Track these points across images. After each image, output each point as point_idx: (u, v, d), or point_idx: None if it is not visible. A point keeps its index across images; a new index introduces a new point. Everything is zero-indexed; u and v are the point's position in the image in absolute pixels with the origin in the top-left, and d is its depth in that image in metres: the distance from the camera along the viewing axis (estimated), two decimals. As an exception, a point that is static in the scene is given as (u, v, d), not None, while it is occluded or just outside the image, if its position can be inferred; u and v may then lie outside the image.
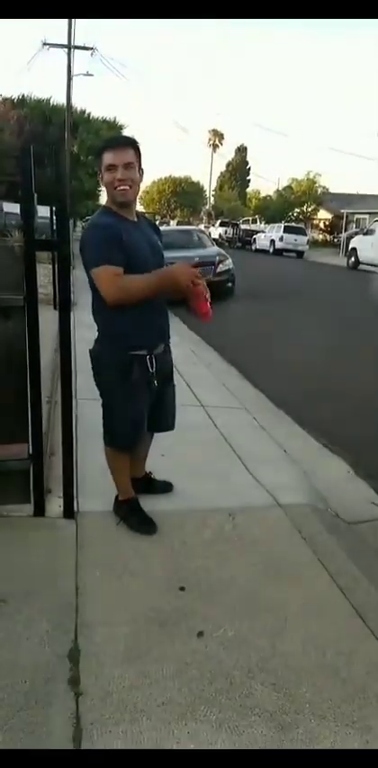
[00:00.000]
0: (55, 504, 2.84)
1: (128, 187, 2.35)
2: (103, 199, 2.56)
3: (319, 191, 46.27)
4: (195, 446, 3.73)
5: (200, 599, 2.27)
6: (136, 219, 2.51)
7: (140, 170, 2.42)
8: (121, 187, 2.34)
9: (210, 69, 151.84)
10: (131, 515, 2.72)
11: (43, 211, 10.49)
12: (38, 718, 1.68)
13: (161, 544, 2.62)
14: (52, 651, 1.94)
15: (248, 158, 64.68)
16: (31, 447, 2.71)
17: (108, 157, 2.34)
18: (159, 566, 2.47)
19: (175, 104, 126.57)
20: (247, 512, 2.96)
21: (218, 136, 64.76)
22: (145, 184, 55.34)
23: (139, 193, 2.56)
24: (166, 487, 3.07)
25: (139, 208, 2.83)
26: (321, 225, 46.69)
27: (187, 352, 6.52)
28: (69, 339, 2.63)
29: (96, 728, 1.66)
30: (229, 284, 11.27)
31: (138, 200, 2.58)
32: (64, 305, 2.62)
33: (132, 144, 2.40)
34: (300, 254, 28.68)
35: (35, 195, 2.68)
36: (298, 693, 1.84)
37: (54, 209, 9.87)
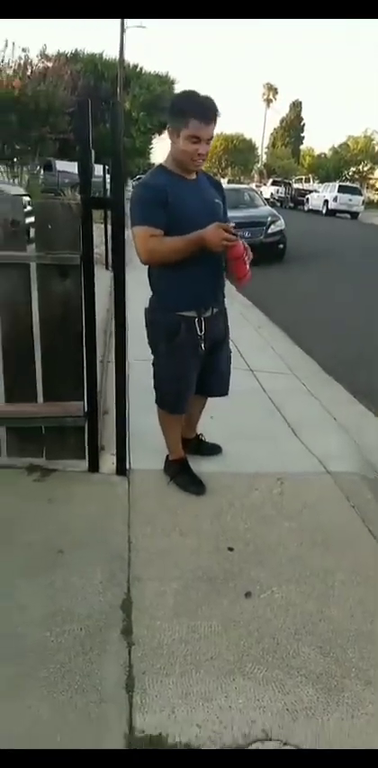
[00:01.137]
0: (108, 461, 2.92)
1: (202, 160, 2.32)
2: (154, 157, 2.53)
3: (377, 149, 44.22)
4: (244, 410, 3.74)
5: (248, 560, 2.31)
6: (194, 178, 2.44)
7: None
8: (199, 160, 2.31)
9: (263, 22, 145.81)
10: (181, 475, 2.78)
11: (97, 170, 10.46)
12: (93, 665, 1.77)
13: (210, 505, 2.67)
14: (106, 601, 2.03)
15: (303, 114, 62.30)
16: (86, 405, 2.77)
17: (195, 127, 2.21)
18: (208, 526, 2.52)
19: (227, 56, 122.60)
20: (296, 478, 2.96)
21: (272, 90, 62.60)
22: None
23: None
24: (215, 450, 3.10)
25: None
26: (378, 184, 44.80)
27: (236, 314, 6.46)
28: (124, 299, 2.65)
29: (148, 677, 1.74)
30: (281, 246, 11.03)
31: None
32: (118, 265, 2.63)
33: (216, 115, 2.27)
34: (354, 215, 27.68)
35: (92, 152, 2.68)
36: (345, 658, 1.86)
37: (107, 167, 9.87)
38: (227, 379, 2.83)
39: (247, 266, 2.36)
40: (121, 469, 2.85)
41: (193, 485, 2.74)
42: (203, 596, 2.09)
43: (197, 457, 2.97)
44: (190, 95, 2.26)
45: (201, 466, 2.89)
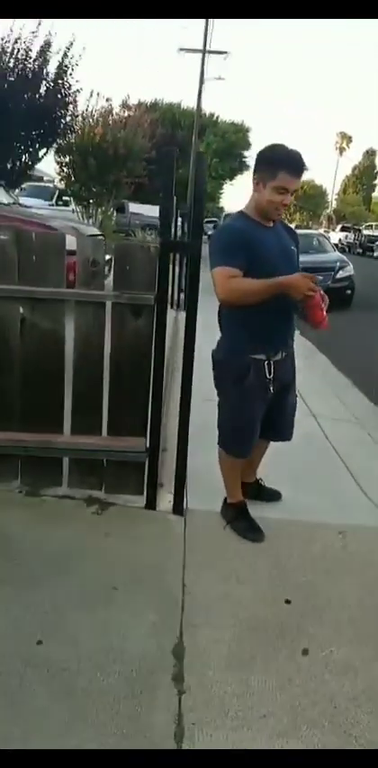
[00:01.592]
0: (165, 499, 2.91)
1: (284, 211, 2.41)
2: (224, 202, 2.60)
3: None
4: (306, 457, 3.65)
5: (306, 615, 2.21)
6: (271, 224, 2.49)
7: None
8: (282, 211, 2.40)
9: (340, 70, 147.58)
10: (239, 520, 2.73)
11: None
12: (142, 709, 1.73)
13: (268, 553, 2.60)
14: (158, 644, 2.00)
15: (377, 161, 61.91)
16: (148, 441, 2.80)
17: (284, 179, 2.30)
18: (265, 575, 2.44)
19: (300, 105, 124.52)
20: (358, 531, 2.84)
21: (346, 138, 62.76)
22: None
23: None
24: (275, 496, 3.03)
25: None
26: None
27: (300, 360, 6.38)
28: (194, 339, 2.68)
29: (197, 729, 1.68)
30: (349, 291, 10.88)
31: None
32: (191, 306, 2.66)
33: (304, 170, 2.37)
34: None
35: (174, 198, 2.76)
36: (408, 734, 1.73)
37: (179, 210, 10.17)
38: (291, 424, 2.80)
39: (324, 312, 2.40)
40: (178, 509, 2.84)
41: (252, 531, 2.68)
42: (258, 649, 2.02)
43: (257, 502, 2.91)
44: (280, 148, 2.34)
45: (260, 512, 2.82)
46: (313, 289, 2.29)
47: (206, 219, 40.13)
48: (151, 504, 2.87)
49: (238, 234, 2.38)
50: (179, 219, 10.03)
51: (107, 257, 2.80)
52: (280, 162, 2.29)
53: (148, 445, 2.79)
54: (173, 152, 2.56)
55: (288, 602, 2.28)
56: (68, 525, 2.67)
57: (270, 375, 2.50)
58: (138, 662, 1.91)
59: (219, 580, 2.38)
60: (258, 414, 2.59)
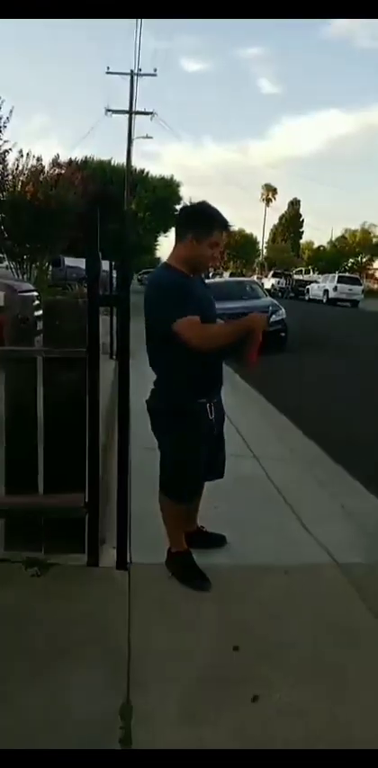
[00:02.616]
0: (109, 555, 2.84)
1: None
2: (160, 253, 2.70)
3: (375, 240, 46.04)
4: (248, 499, 3.68)
5: (254, 660, 2.19)
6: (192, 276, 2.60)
7: None
8: (213, 264, 2.51)
9: (262, 127, 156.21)
10: (184, 569, 2.69)
11: (103, 266, 10.89)
12: (89, 778, 1.65)
13: (214, 600, 2.57)
14: (104, 706, 1.92)
15: (301, 211, 65.43)
16: (86, 496, 2.74)
17: (218, 236, 2.47)
18: (212, 623, 2.41)
19: (227, 158, 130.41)
20: (303, 570, 2.87)
21: (271, 190, 66.00)
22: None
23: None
24: (219, 541, 3.02)
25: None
26: (377, 275, 46.27)
27: (239, 401, 6.51)
28: (128, 390, 2.68)
29: (148, 794, 1.61)
30: (282, 334, 11.25)
31: None
32: (123, 358, 2.67)
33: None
34: (354, 303, 28.40)
35: (100, 254, 2.80)
36: (359, 769, 1.73)
37: (113, 263, 10.28)
38: (224, 460, 2.86)
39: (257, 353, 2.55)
40: (122, 564, 2.77)
41: (197, 579, 2.65)
42: (208, 701, 1.97)
43: (201, 549, 2.88)
44: (211, 208, 2.52)
45: (205, 558, 2.79)
46: (260, 328, 2.46)
47: (144, 270, 40.80)
48: (93, 560, 2.79)
49: (183, 286, 2.46)
50: (115, 273, 10.12)
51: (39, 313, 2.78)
52: (216, 222, 2.47)
53: (86, 500, 2.73)
54: (95, 209, 2.61)
55: (236, 648, 2.25)
56: (7, 590, 2.54)
57: (212, 416, 2.58)
58: (83, 727, 1.82)
59: (165, 633, 2.33)
60: (204, 455, 2.62)
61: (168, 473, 2.65)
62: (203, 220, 2.47)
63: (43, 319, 2.66)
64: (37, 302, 3.28)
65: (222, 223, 2.50)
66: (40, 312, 2.78)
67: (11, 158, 16.46)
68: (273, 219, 70.26)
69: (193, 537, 2.90)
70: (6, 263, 17.98)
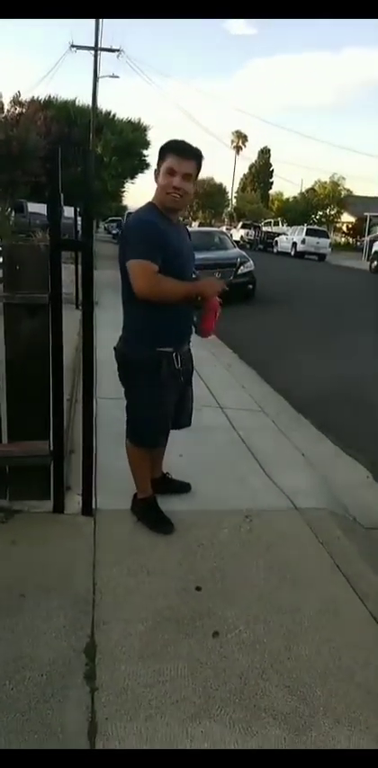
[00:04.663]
0: (74, 502, 2.87)
1: (179, 196, 2.39)
2: (126, 200, 2.60)
3: (343, 194, 45.90)
4: (213, 448, 3.75)
5: (215, 599, 2.28)
6: (176, 223, 2.58)
7: (195, 185, 2.49)
8: (174, 194, 2.38)
9: (233, 70, 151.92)
10: (149, 514, 2.75)
11: (68, 212, 10.59)
12: (54, 712, 1.71)
13: (178, 544, 2.64)
14: (69, 646, 1.97)
15: (272, 160, 64.46)
16: (51, 444, 2.74)
17: (170, 161, 2.36)
18: (176, 565, 2.48)
19: (197, 103, 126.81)
20: (264, 514, 2.96)
21: (241, 137, 64.71)
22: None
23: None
24: (183, 488, 3.09)
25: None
26: (344, 228, 46.33)
27: (206, 353, 6.53)
28: (92, 338, 2.66)
29: (111, 724, 1.68)
30: (250, 286, 11.27)
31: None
32: (87, 305, 2.65)
33: (196, 156, 2.43)
34: (322, 257, 28.48)
35: (61, 196, 2.71)
36: (312, 696, 1.84)
37: (78, 209, 9.99)
38: (191, 411, 2.88)
39: (214, 322, 2.59)
40: (87, 510, 2.80)
41: (161, 524, 2.72)
42: (170, 638, 2.05)
43: (166, 495, 2.94)
44: (171, 140, 2.44)
45: (169, 504, 2.86)
46: (221, 293, 2.46)
47: (110, 218, 39.67)
48: (59, 507, 2.81)
49: (155, 228, 2.39)
50: (79, 219, 9.85)
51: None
52: (168, 147, 2.41)
53: (51, 448, 2.73)
54: (57, 150, 2.52)
55: (198, 588, 2.33)
56: (-29, 537, 2.56)
57: (178, 366, 2.57)
58: (48, 666, 1.87)
59: (129, 575, 2.39)
60: (171, 404, 2.65)
61: (133, 419, 2.67)
62: (160, 150, 2.44)
63: (3, 264, 2.59)
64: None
65: (176, 148, 2.39)
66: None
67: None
68: (243, 169, 69.20)
69: (159, 483, 2.96)
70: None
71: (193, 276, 2.67)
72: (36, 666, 1.87)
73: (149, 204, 2.51)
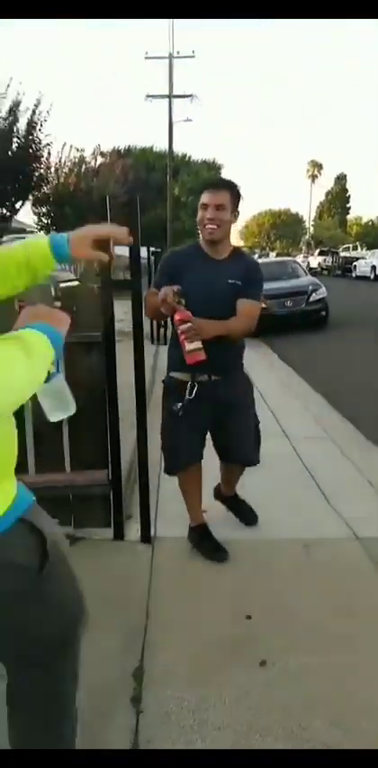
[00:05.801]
0: (134, 529, 2.97)
1: (215, 227, 2.46)
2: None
3: None
4: (276, 474, 3.72)
5: (265, 628, 2.26)
6: (223, 257, 2.56)
7: (235, 212, 2.53)
8: (209, 226, 2.47)
9: (306, 99, 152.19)
10: (202, 542, 2.78)
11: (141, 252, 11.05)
12: (100, 730, 1.77)
13: (231, 572, 2.64)
14: (119, 669, 2.04)
15: (348, 186, 63.51)
16: (110, 473, 2.87)
17: (203, 197, 2.49)
18: (228, 593, 2.49)
19: (270, 137, 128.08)
20: (323, 544, 2.90)
21: (316, 166, 64.39)
22: (244, 219, 56.51)
23: (239, 228, 2.66)
24: (249, 517, 3.07)
25: (239, 242, 2.88)
26: None
27: (275, 381, 6.52)
28: (143, 371, 2.77)
29: (152, 745, 1.71)
30: (323, 313, 11.13)
31: (237, 234, 2.66)
32: (137, 338, 2.77)
33: (228, 186, 2.51)
34: (405, 279, 27.40)
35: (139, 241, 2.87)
36: (358, 730, 1.77)
37: (151, 249, 10.42)
38: (244, 446, 2.80)
39: (188, 346, 2.31)
40: (146, 537, 2.89)
41: (215, 551, 2.74)
42: (217, 665, 2.06)
43: (224, 521, 2.97)
44: (205, 179, 2.56)
45: (225, 531, 2.88)
46: (170, 301, 2.30)
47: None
48: (119, 534, 2.92)
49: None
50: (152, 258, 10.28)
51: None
52: (202, 186, 2.59)
53: (110, 477, 2.86)
54: (135, 200, 2.66)
55: (249, 617, 2.32)
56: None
57: (190, 396, 2.51)
58: (98, 688, 1.94)
59: (182, 603, 2.43)
60: (183, 433, 2.63)
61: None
62: (199, 193, 2.58)
63: (61, 306, 2.78)
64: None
65: (206, 184, 2.56)
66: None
67: (53, 151, 16.78)
68: (319, 196, 68.68)
69: (229, 500, 3.05)
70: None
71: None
72: (86, 688, 1.93)
73: (191, 241, 2.70)
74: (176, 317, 2.32)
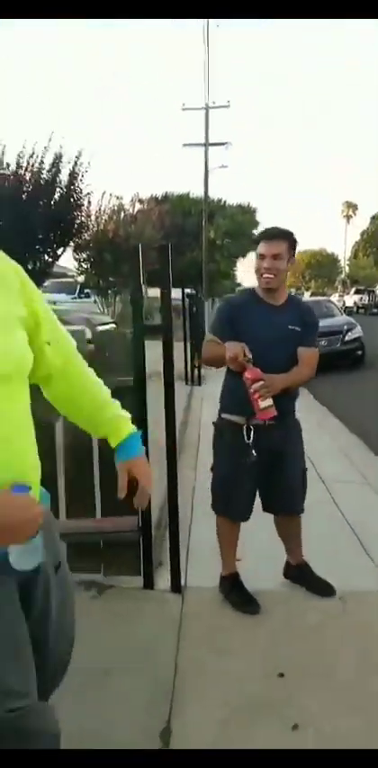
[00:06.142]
0: (164, 577, 2.91)
1: (272, 276, 2.51)
2: (239, 278, 2.77)
3: None
4: (312, 521, 3.59)
5: (299, 688, 2.15)
6: (280, 303, 2.59)
7: (290, 260, 2.57)
8: (266, 275, 2.52)
9: (339, 143, 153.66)
10: (233, 592, 2.70)
11: (175, 294, 11.24)
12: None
13: (264, 626, 2.55)
14: (146, 728, 1.96)
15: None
16: (139, 520, 2.83)
17: (260, 247, 2.53)
18: (259, 648, 2.40)
19: (304, 179, 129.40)
20: (360, 597, 2.77)
21: (351, 207, 64.54)
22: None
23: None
24: (326, 590, 2.77)
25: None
26: None
27: (312, 423, 6.39)
28: (174, 414, 2.76)
29: None
30: (359, 352, 10.98)
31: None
32: (167, 384, 2.76)
33: (284, 236, 2.53)
34: None
35: (144, 287, 2.93)
36: None
37: (185, 290, 10.55)
38: (291, 497, 2.73)
39: (261, 403, 2.34)
40: (176, 587, 2.83)
41: (247, 604, 2.65)
42: (247, 727, 1.96)
43: (261, 569, 2.90)
44: (263, 230, 2.67)
45: (258, 582, 2.79)
46: (241, 358, 2.34)
47: (224, 296, 41.10)
48: (149, 582, 2.87)
49: (227, 307, 2.69)
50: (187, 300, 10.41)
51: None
52: (258, 236, 2.63)
53: (139, 524, 2.82)
54: (166, 247, 2.72)
55: (281, 675, 2.22)
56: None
57: (249, 440, 2.51)
58: (123, 747, 1.87)
59: (212, 657, 2.34)
60: (236, 477, 2.60)
61: (211, 487, 2.75)
62: (254, 241, 2.67)
63: (94, 351, 2.81)
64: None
65: (263, 234, 2.59)
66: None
67: (94, 200, 17.35)
68: (354, 236, 68.58)
69: (296, 571, 2.87)
70: (94, 298, 18.97)
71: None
72: (112, 746, 1.88)
73: (247, 289, 2.79)
74: (248, 375, 2.36)
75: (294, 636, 2.48)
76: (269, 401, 2.35)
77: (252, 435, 2.51)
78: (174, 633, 2.50)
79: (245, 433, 2.52)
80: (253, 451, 2.51)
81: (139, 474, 1.48)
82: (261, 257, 2.51)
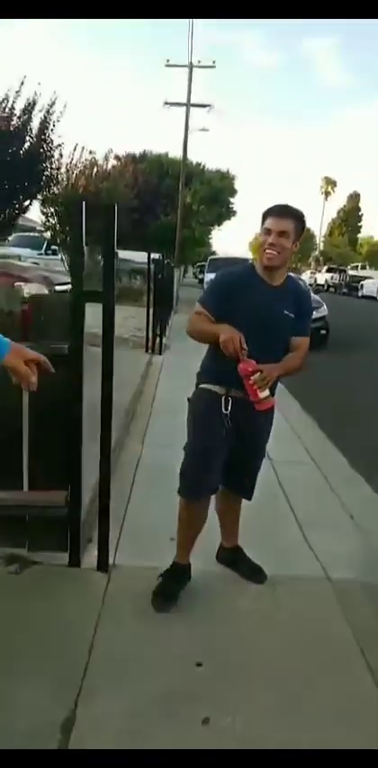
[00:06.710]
0: (92, 556, 2.79)
1: (275, 253, 2.39)
2: (214, 246, 2.59)
3: None
4: (251, 503, 3.54)
5: (215, 679, 2.08)
6: (277, 284, 2.48)
7: (297, 242, 2.44)
8: (269, 251, 2.40)
9: (323, 118, 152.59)
10: (166, 580, 2.57)
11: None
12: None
13: (189, 611, 2.47)
14: (49, 717, 1.86)
15: (361, 204, 63.44)
16: (69, 495, 2.70)
17: (268, 222, 2.41)
18: (181, 635, 2.32)
19: (286, 150, 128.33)
20: (292, 583, 2.72)
21: (330, 183, 64.33)
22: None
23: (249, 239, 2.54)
24: (254, 574, 2.74)
25: (247, 254, 2.73)
26: None
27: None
28: (111, 386, 2.61)
29: None
30: (323, 332, 10.92)
31: (247, 246, 2.56)
32: (106, 353, 2.61)
33: (293, 215, 2.43)
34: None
35: (86, 248, 2.76)
36: None
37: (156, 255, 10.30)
38: (251, 479, 2.68)
39: (260, 394, 2.31)
40: (103, 565, 2.72)
41: (160, 596, 2.50)
42: (155, 720, 1.88)
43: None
44: (274, 204, 2.48)
45: (199, 565, 2.67)
46: (239, 349, 2.26)
47: (198, 264, 40.77)
48: (75, 561, 2.75)
49: (224, 281, 2.55)
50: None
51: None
52: (268, 210, 2.46)
53: (68, 498, 2.69)
54: (80, 205, 2.55)
55: (199, 665, 2.14)
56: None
57: (227, 410, 2.42)
58: (20, 739, 1.77)
59: (129, 643, 2.25)
60: (214, 449, 2.48)
61: (181, 465, 2.58)
62: (262, 214, 2.47)
63: (31, 314, 2.63)
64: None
65: (273, 210, 2.45)
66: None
67: (65, 153, 16.69)
68: (331, 213, 68.59)
69: (229, 554, 2.83)
70: (61, 255, 18.40)
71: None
72: (8, 738, 1.77)
73: (249, 263, 2.62)
74: (248, 367, 2.29)
75: (219, 624, 2.41)
76: (267, 391, 2.33)
77: (230, 407, 2.42)
78: (94, 615, 2.39)
79: (223, 403, 2.43)
80: (228, 421, 2.43)
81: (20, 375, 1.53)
82: (267, 232, 2.40)
